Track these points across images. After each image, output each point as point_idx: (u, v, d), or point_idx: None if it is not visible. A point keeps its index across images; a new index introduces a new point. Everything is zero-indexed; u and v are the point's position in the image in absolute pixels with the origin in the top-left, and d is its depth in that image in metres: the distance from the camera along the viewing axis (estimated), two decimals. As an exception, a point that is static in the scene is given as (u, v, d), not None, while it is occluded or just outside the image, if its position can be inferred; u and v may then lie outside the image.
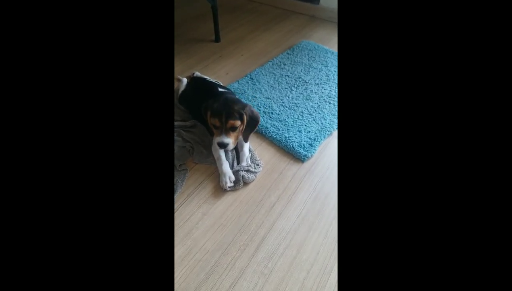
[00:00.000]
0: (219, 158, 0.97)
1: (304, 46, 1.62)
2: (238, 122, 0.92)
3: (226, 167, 0.95)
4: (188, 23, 1.91)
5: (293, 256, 0.78)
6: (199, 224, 0.84)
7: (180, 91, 1.23)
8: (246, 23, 1.93)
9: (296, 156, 1.03)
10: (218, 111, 0.91)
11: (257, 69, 1.44)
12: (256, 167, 0.98)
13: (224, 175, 0.92)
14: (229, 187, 0.91)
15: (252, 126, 0.96)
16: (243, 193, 0.93)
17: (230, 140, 0.93)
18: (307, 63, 1.48)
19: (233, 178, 0.92)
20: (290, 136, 1.08)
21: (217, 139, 0.94)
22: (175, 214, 0.87)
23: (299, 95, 1.29)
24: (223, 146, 0.93)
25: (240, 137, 0.99)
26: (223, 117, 0.90)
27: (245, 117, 0.93)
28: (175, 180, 0.93)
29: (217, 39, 1.70)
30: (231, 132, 0.93)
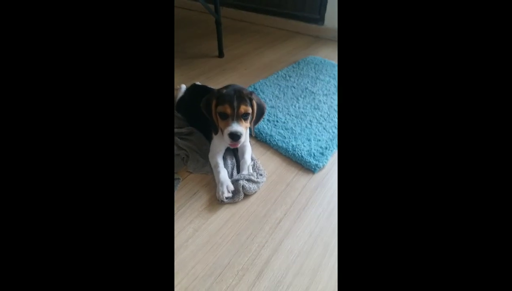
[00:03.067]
0: (217, 165, 0.84)
1: (310, 60, 1.57)
2: (250, 109, 0.80)
3: (224, 175, 0.81)
4: (192, 41, 1.91)
5: (306, 286, 0.61)
6: (188, 242, 0.69)
7: (177, 98, 1.14)
8: (250, 42, 1.92)
9: (305, 166, 0.90)
10: (228, 96, 0.78)
11: (261, 81, 1.37)
12: (259, 176, 0.84)
13: (221, 184, 0.78)
14: (226, 198, 0.77)
15: (259, 115, 0.84)
16: (244, 206, 0.78)
17: (242, 130, 0.79)
18: (313, 76, 1.41)
19: (231, 187, 0.78)
20: (298, 145, 0.95)
21: (227, 129, 0.78)
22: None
23: (307, 105, 1.19)
24: (236, 136, 0.78)
25: (242, 141, 0.86)
26: (234, 102, 0.77)
27: (254, 103, 0.81)
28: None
29: (220, 55, 1.66)
30: (243, 120, 0.80)
